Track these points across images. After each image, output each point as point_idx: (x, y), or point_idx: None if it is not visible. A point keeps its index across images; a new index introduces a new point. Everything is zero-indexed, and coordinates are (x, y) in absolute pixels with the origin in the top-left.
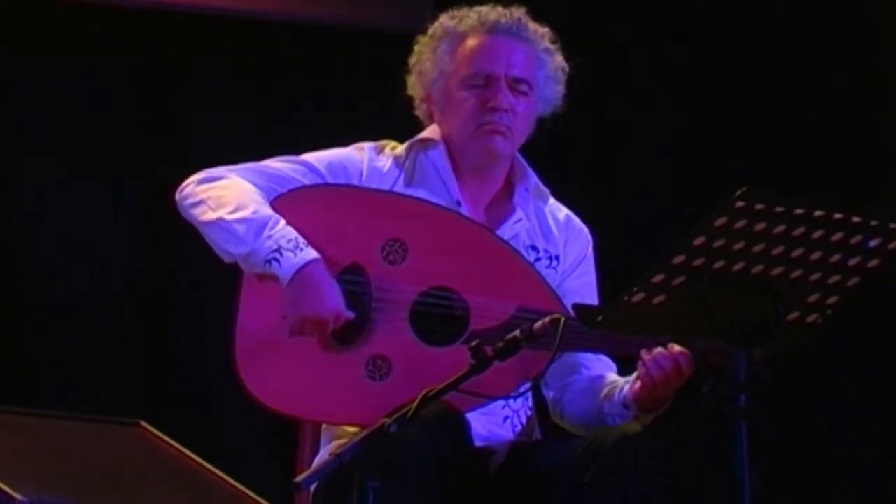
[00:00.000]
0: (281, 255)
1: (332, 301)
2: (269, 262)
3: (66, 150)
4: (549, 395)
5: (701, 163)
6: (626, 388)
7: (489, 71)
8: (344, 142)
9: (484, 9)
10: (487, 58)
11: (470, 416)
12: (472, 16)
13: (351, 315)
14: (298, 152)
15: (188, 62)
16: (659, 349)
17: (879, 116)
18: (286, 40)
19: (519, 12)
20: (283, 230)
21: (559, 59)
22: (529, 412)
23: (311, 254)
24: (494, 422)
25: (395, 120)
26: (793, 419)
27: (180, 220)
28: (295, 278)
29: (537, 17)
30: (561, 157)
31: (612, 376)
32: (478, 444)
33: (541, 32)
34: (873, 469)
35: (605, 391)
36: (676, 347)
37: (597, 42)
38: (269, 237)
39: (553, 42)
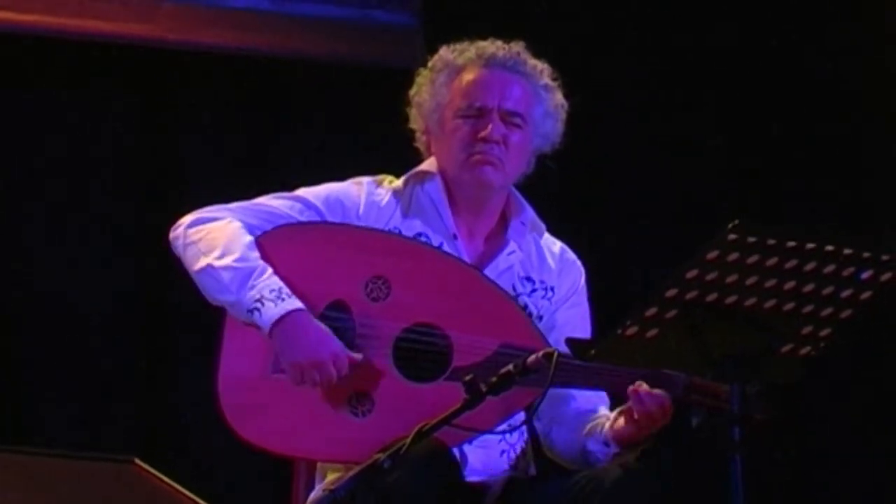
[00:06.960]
0: (262, 304)
1: (325, 345)
2: (251, 311)
3: (65, 187)
4: (538, 426)
5: (694, 195)
6: (608, 425)
7: (482, 102)
8: (337, 176)
9: (484, 43)
10: (482, 89)
11: (467, 449)
12: (470, 49)
13: (357, 357)
14: (293, 187)
15: (187, 97)
16: (644, 390)
17: (872, 152)
18: (281, 76)
19: (518, 47)
20: (267, 280)
21: (559, 97)
22: (524, 446)
23: (294, 304)
24: (491, 455)
25: (388, 154)
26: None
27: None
28: (276, 328)
29: (537, 53)
30: (554, 189)
31: (602, 410)
32: (474, 478)
33: (540, 68)
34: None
35: (587, 428)
36: (658, 391)
37: (593, 77)
38: (253, 287)
39: (553, 79)
